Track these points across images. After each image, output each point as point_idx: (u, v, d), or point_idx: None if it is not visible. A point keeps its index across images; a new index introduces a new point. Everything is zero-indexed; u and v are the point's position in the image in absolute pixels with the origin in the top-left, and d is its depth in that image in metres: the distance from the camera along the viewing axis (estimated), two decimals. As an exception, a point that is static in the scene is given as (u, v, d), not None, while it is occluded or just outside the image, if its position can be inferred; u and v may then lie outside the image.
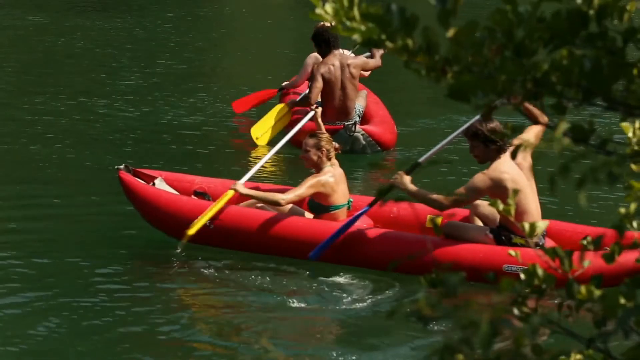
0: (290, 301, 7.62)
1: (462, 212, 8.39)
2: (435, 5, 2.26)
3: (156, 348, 6.89)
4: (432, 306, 2.32)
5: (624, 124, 2.49)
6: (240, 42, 19.82)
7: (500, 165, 7.71)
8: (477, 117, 7.51)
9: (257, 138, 11.61)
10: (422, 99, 14.41)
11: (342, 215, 8.42)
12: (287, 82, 13.23)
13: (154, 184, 8.90)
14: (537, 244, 7.72)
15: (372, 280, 7.96)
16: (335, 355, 6.74)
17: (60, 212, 9.34)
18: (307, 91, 11.88)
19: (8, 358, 6.58)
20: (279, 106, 11.90)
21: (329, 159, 8.39)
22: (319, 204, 8.40)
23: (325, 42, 11.66)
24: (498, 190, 7.62)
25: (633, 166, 2.32)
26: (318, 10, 2.32)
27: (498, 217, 8.03)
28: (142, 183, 8.81)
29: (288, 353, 6.84)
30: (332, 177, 8.34)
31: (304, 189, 8.27)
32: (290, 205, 8.51)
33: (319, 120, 9.32)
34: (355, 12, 2.27)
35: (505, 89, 2.21)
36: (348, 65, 11.66)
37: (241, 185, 8.48)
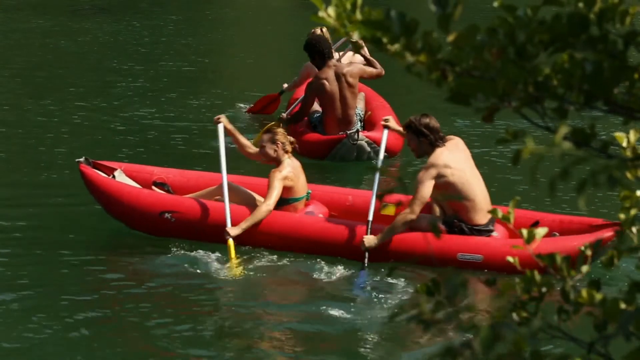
0: (285, 303, 7.70)
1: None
2: (435, 11, 2.25)
3: (139, 348, 6.92)
4: (433, 310, 2.31)
5: (618, 134, 2.49)
6: (242, 46, 19.80)
7: (436, 158, 8.08)
8: None
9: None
10: (428, 101, 14.35)
11: (301, 206, 8.67)
12: (287, 85, 13.18)
13: (114, 176, 9.11)
14: (489, 231, 8.09)
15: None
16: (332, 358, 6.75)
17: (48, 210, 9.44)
18: (298, 109, 11.81)
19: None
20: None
21: (286, 152, 8.59)
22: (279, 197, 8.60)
23: (319, 54, 11.49)
24: (440, 182, 7.98)
25: (628, 174, 2.31)
26: (321, 14, 2.32)
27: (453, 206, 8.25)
28: (102, 175, 9.01)
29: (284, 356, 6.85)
30: (291, 170, 8.56)
31: (276, 188, 8.46)
32: (247, 195, 8.84)
33: (229, 127, 9.01)
34: (358, 16, 2.26)
35: (507, 92, 2.21)
36: (344, 74, 11.48)
37: (231, 229, 8.45)
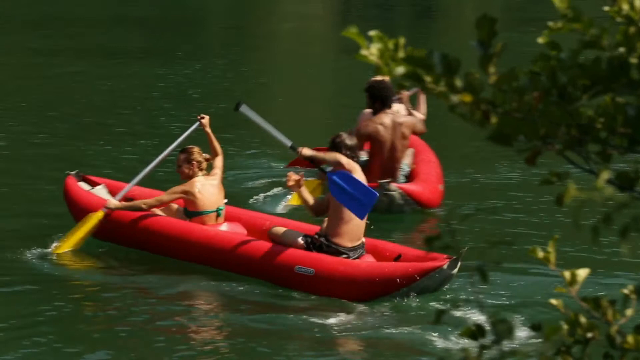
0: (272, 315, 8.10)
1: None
2: (477, 51, 2.25)
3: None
4: (478, 354, 2.29)
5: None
6: (282, 91, 19.91)
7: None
8: None
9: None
10: (470, 145, 14.27)
11: (210, 220, 9.28)
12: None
13: (92, 188, 9.98)
14: (349, 256, 8.56)
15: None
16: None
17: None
18: None
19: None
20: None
21: (201, 170, 9.31)
22: (185, 209, 9.37)
23: (381, 99, 11.24)
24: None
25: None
26: (363, 51, 2.31)
27: None
28: (78, 187, 9.86)
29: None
30: (199, 185, 9.23)
31: (165, 196, 9.28)
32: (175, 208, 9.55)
33: (207, 129, 9.71)
34: (400, 54, 2.26)
35: (549, 135, 2.19)
36: (400, 124, 11.26)
37: (112, 201, 9.44)
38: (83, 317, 8.11)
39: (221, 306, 8.41)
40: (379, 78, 11.62)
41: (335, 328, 7.85)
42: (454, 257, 8.15)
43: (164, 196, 9.27)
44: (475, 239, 10.03)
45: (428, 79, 2.20)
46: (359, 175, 8.74)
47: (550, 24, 2.39)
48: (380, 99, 11.26)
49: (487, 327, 2.30)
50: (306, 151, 9.06)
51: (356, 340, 7.71)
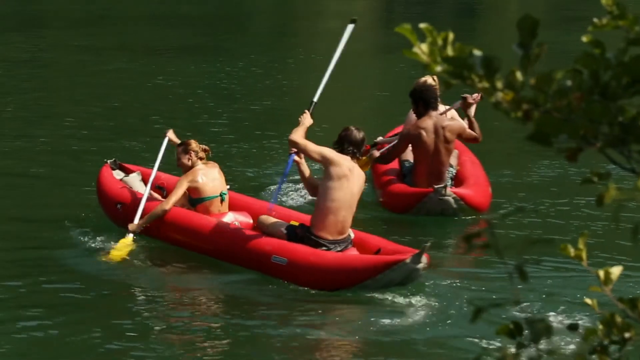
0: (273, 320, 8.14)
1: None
2: (517, 52, 2.25)
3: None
4: (515, 353, 2.29)
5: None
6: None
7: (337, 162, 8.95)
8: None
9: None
10: (513, 147, 14.21)
11: (215, 205, 9.66)
12: (382, 138, 12.45)
13: (127, 176, 10.53)
14: (329, 249, 8.81)
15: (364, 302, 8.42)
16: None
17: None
18: (390, 145, 11.42)
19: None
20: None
21: (201, 159, 9.75)
22: (189, 197, 9.75)
23: (424, 102, 11.07)
24: (324, 173, 9.01)
25: None
26: (415, 49, 2.30)
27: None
28: (109, 175, 10.40)
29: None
30: (201, 172, 9.67)
31: (176, 194, 9.62)
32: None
33: (174, 138, 10.30)
34: (449, 52, 2.26)
35: (590, 133, 2.18)
36: (443, 128, 11.09)
37: (133, 225, 9.68)
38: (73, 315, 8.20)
39: (215, 300, 8.61)
40: (422, 80, 11.54)
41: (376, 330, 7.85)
42: (418, 250, 8.38)
43: (177, 192, 9.60)
44: (515, 237, 10.01)
45: (471, 76, 2.20)
46: (350, 171, 8.91)
47: (595, 20, 2.38)
48: (422, 101, 11.11)
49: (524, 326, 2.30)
50: (298, 135, 9.13)
51: (385, 339, 7.70)
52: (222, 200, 9.73)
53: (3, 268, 9.20)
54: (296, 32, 28.31)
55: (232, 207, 9.89)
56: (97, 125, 15.22)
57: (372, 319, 8.02)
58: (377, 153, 11.30)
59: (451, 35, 2.26)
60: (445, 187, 10.89)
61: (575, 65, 2.25)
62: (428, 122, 11.10)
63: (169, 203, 9.57)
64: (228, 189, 9.87)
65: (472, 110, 11.50)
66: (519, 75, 2.25)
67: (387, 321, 7.93)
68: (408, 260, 8.34)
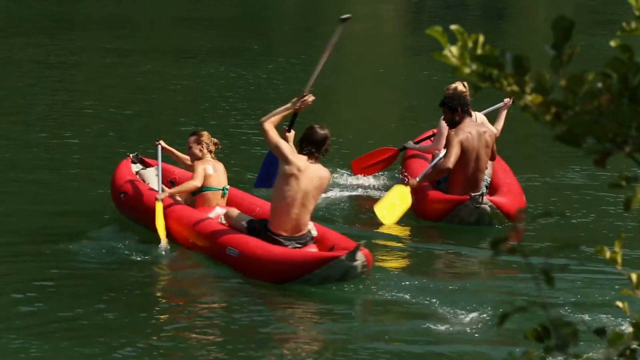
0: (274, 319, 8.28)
1: None
2: (549, 53, 2.25)
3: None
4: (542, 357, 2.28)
5: None
6: (351, 92, 19.92)
7: (299, 159, 9.25)
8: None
9: (382, 217, 10.68)
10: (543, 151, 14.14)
11: (216, 197, 10.00)
12: (411, 143, 12.38)
13: (143, 168, 10.90)
14: (285, 245, 9.06)
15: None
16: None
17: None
18: (437, 159, 11.19)
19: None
20: (400, 188, 10.88)
21: (210, 152, 10.09)
22: None
23: (461, 107, 10.83)
24: (281, 179, 9.16)
25: None
26: (445, 52, 2.30)
27: None
28: (125, 168, 10.77)
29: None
30: (209, 163, 10.04)
31: (199, 173, 9.94)
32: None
33: (169, 148, 10.62)
34: (479, 52, 2.26)
35: (619, 136, 2.18)
36: (484, 132, 10.93)
37: (161, 193, 9.96)
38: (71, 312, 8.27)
39: (212, 299, 8.78)
40: (452, 86, 11.43)
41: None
42: (353, 248, 8.70)
43: (199, 172, 9.95)
44: (542, 241, 9.97)
45: (501, 78, 2.20)
46: (300, 171, 9.08)
47: (624, 24, 2.37)
48: (460, 107, 10.86)
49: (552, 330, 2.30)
50: (268, 119, 9.35)
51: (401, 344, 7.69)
52: (223, 195, 10.08)
53: (28, 262, 9.37)
54: (323, 34, 28.29)
55: (231, 204, 10.15)
56: (127, 127, 15.31)
57: (399, 327, 7.98)
58: (414, 182, 11.00)
59: (481, 38, 2.26)
60: (482, 195, 10.75)
61: (605, 69, 2.25)
62: (471, 127, 10.92)
63: (198, 180, 9.92)
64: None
65: (504, 113, 11.90)
66: (547, 76, 2.25)
67: (422, 328, 7.88)
68: (343, 257, 8.68)
